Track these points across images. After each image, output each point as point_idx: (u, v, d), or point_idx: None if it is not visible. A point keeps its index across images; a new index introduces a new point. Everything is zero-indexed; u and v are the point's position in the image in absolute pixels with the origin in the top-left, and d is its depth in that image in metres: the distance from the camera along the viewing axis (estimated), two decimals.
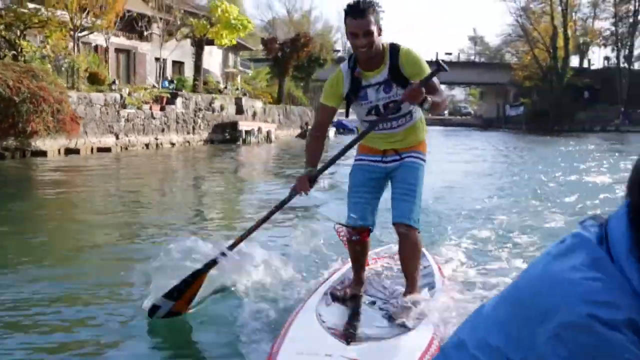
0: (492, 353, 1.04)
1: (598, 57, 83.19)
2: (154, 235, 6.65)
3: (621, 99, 56.03)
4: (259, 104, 29.32)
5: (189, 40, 27.53)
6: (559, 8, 59.05)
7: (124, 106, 20.41)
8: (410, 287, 3.65)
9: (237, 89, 29.10)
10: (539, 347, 0.97)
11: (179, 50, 30.11)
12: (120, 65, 29.13)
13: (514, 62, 65.17)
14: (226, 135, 25.66)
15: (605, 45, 65.75)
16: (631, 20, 59.15)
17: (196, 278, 3.61)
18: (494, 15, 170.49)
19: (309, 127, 32.87)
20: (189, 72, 32.39)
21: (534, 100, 61.63)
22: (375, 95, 3.55)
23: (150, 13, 27.26)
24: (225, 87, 28.67)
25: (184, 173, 16.07)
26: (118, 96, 20.33)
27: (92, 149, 18.82)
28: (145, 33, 28.35)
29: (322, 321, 3.26)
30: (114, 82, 21.06)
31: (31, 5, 20.03)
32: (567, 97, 57.16)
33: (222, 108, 25.79)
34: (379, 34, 3.45)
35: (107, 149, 19.38)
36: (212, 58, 34.08)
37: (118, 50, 28.49)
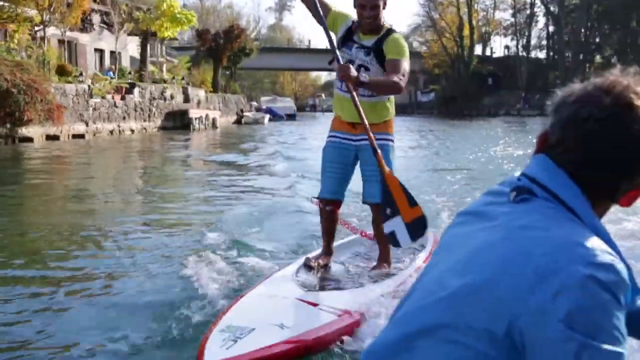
0: (471, 331, 1.03)
1: (499, 46, 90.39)
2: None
3: (521, 85, 62.05)
4: (202, 93, 31.89)
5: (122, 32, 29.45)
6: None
7: (91, 96, 22.59)
8: (383, 258, 4.10)
9: (183, 78, 31.45)
10: (530, 311, 0.98)
11: (113, 40, 32.12)
12: (63, 56, 30.74)
13: (423, 50, 70.08)
14: (177, 123, 28.13)
15: (505, 35, 72.18)
16: (528, 12, 65.43)
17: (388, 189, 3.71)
18: (400, 4, 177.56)
19: (244, 113, 35.68)
20: (125, 62, 34.29)
21: (443, 86, 66.91)
22: (356, 53, 3.90)
23: (96, 7, 29.12)
24: (173, 78, 30.95)
25: (167, 155, 18.66)
26: (87, 87, 22.49)
27: (68, 136, 20.95)
28: (87, 25, 30.16)
29: (295, 279, 3.75)
30: (80, 74, 23.15)
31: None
32: (473, 83, 62.70)
33: (172, 97, 28.24)
34: (384, 7, 3.89)
35: (81, 136, 21.54)
36: (134, 46, 35.89)
37: (60, 42, 30.11)
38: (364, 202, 4.14)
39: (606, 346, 0.95)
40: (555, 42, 64.63)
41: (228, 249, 4.94)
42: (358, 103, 3.57)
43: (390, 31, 3.90)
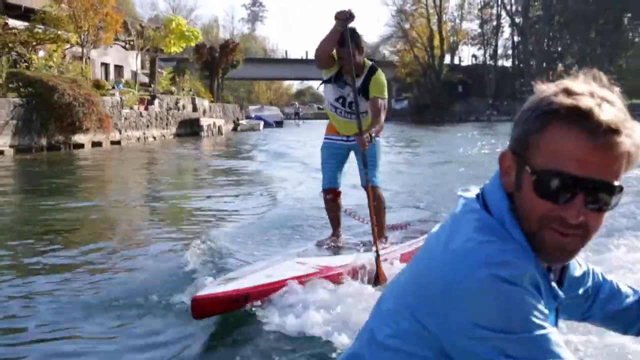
0: (410, 335, 1.14)
1: (467, 55, 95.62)
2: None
3: (490, 93, 66.98)
4: (206, 103, 35.56)
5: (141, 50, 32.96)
6: (432, 11, 69.20)
7: (122, 107, 26.11)
8: (379, 232, 4.95)
9: (190, 90, 35.06)
10: (454, 320, 1.05)
11: (117, 54, 35.60)
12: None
13: (395, 60, 74.58)
14: (188, 130, 31.77)
15: (472, 45, 77.26)
16: (495, 23, 70.62)
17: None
18: (370, 15, 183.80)
19: (240, 121, 39.66)
20: (127, 74, 37.73)
21: (415, 94, 71.43)
22: (347, 92, 5.01)
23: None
24: (182, 90, 34.55)
25: (200, 159, 22.33)
26: (119, 99, 26.01)
27: (109, 142, 24.46)
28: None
29: (297, 254, 4.76)
30: (113, 87, 26.65)
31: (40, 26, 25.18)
32: (444, 91, 67.33)
33: (183, 107, 31.87)
34: (360, 54, 4.97)
35: (118, 142, 25.06)
36: (134, 60, 39.32)
37: (74, 58, 33.45)
38: (362, 185, 5.20)
39: (525, 335, 1.01)
40: (520, 52, 69.82)
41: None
42: (362, 126, 4.84)
43: (372, 69, 5.05)
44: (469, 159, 16.97)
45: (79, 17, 24.98)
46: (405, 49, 71.63)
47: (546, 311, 1.07)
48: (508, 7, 69.85)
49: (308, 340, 3.53)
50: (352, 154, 5.31)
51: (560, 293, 1.19)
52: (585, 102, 1.08)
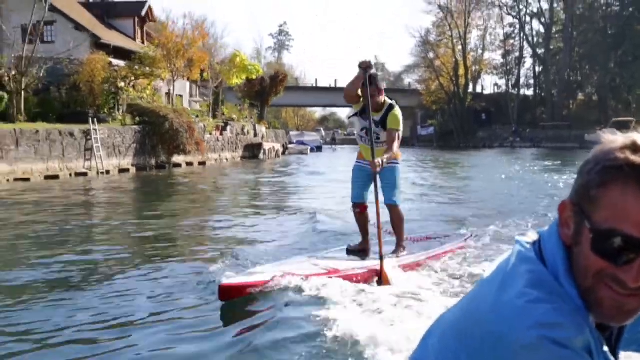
0: None
1: (489, 84, 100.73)
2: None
3: (512, 119, 71.66)
4: (263, 129, 40.69)
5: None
6: (457, 41, 74.31)
7: (205, 132, 31.14)
8: (398, 243, 6.49)
9: (250, 117, 40.13)
10: None
11: (178, 84, 40.85)
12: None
13: (421, 88, 79.56)
14: (251, 153, 36.79)
15: (494, 74, 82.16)
16: (517, 54, 75.67)
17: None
18: (393, 44, 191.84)
19: (288, 145, 45.27)
20: (185, 103, 42.94)
21: (439, 121, 76.31)
22: (372, 124, 6.33)
23: None
24: (243, 117, 39.61)
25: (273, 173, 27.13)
26: (202, 125, 31.05)
27: (198, 163, 29.42)
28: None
29: (317, 257, 6.32)
30: (197, 116, 31.70)
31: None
32: (468, 118, 72.21)
33: (247, 132, 36.92)
34: (380, 94, 6.38)
35: (203, 163, 30.05)
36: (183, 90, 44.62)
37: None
38: (385, 204, 6.53)
39: None
40: (542, 82, 74.68)
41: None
42: (375, 154, 6.22)
43: (390, 107, 6.45)
44: (499, 179, 21.40)
45: (173, 57, 30.11)
46: (431, 78, 76.53)
47: None
48: (530, 39, 74.81)
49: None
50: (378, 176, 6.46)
51: (612, 359, 1.15)
52: None
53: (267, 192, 18.10)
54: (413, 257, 6.64)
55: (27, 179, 19.35)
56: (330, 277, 5.59)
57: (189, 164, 28.56)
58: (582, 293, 1.10)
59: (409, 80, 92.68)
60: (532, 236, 1.22)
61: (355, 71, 6.30)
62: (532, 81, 77.20)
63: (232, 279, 5.33)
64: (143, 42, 39.16)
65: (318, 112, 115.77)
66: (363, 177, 6.61)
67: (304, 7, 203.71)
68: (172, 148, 26.37)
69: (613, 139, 1.11)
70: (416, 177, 21.81)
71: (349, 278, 5.64)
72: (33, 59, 24.42)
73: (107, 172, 23.05)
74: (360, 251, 6.73)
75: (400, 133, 6.48)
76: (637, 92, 66.25)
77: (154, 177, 23.62)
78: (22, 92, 23.72)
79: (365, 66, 6.21)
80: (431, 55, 77.19)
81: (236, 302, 5.21)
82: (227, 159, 33.68)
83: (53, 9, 33.72)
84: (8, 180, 18.77)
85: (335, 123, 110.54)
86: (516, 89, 75.75)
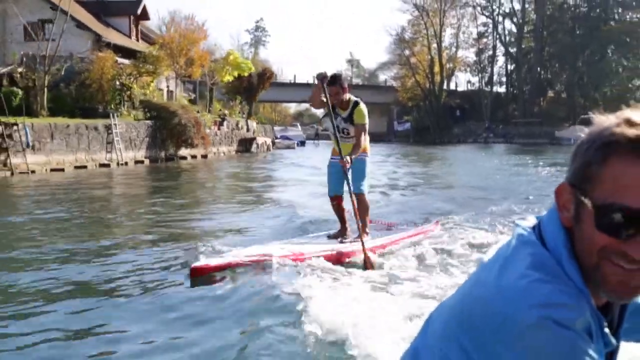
0: None
1: (463, 81, 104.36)
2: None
3: (486, 116, 75.03)
4: (254, 124, 43.13)
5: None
6: (432, 39, 77.41)
7: (204, 127, 33.49)
8: (362, 229, 7.05)
9: (242, 113, 42.51)
10: (501, 357, 1.05)
11: (170, 81, 43.15)
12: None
13: (397, 85, 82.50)
14: (244, 147, 39.23)
15: (466, 71, 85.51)
16: (490, 53, 79.14)
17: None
18: (368, 40, 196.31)
19: (277, 140, 47.91)
20: (179, 99, 45.19)
21: (415, 117, 79.38)
22: (339, 121, 7.21)
23: None
24: (233, 113, 41.99)
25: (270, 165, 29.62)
26: (203, 120, 33.41)
27: (200, 156, 31.78)
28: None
29: (286, 242, 7.20)
30: (198, 111, 34.02)
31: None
32: (443, 114, 75.39)
33: (241, 127, 39.35)
34: (344, 92, 7.13)
35: (205, 156, 32.42)
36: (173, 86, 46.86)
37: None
38: (352, 192, 7.15)
39: None
40: (513, 79, 78.24)
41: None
42: (342, 151, 6.99)
43: (356, 103, 7.22)
44: (473, 172, 24.10)
45: (176, 55, 32.41)
46: (407, 75, 79.53)
47: (596, 357, 1.06)
48: (503, 38, 78.30)
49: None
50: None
51: (613, 341, 1.16)
52: None
53: (260, 184, 19.34)
54: (382, 240, 7.56)
55: (62, 169, 21.59)
56: (295, 261, 6.37)
57: (193, 156, 30.94)
58: (586, 272, 1.12)
59: (384, 77, 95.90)
60: (532, 220, 1.24)
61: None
62: (504, 79, 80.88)
63: (203, 261, 6.27)
64: (138, 40, 41.26)
65: (292, 108, 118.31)
66: (337, 172, 7.27)
67: (301, 4, 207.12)
68: (180, 141, 28.73)
69: (604, 117, 1.13)
70: (398, 170, 23.98)
71: (308, 259, 6.51)
72: (55, 58, 26.47)
73: (125, 163, 25.34)
74: (338, 237, 7.54)
75: (367, 126, 7.26)
76: (603, 90, 70.20)
77: (164, 168, 25.97)
78: (45, 89, 25.78)
79: (321, 77, 6.98)
80: (407, 52, 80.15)
81: (205, 280, 6.05)
82: (223, 153, 36.09)
83: (55, 7, 35.79)
84: (46, 170, 21.00)
85: (311, 118, 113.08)
86: (489, 87, 79.20)
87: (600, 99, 68.71)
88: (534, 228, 1.21)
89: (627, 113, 1.11)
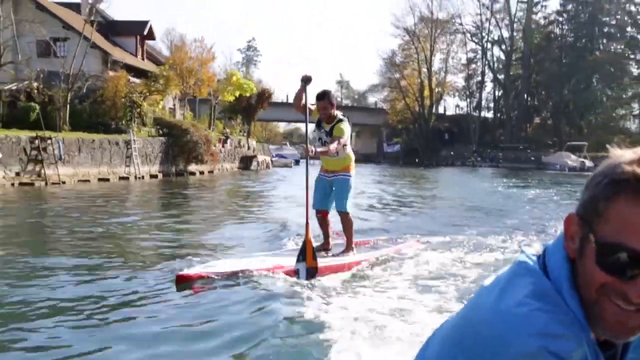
0: None
1: (451, 105, 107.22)
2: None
3: (474, 140, 77.49)
4: (254, 142, 45.07)
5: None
6: (423, 65, 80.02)
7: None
8: (347, 245, 7.74)
9: (243, 132, 44.46)
10: None
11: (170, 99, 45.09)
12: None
13: (387, 107, 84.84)
14: (245, 164, 41.14)
15: (455, 96, 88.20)
16: (479, 78, 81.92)
17: (305, 244, 6.87)
18: (358, 63, 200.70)
19: (273, 158, 50.00)
20: (178, 116, 47.06)
21: (404, 139, 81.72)
22: (322, 134, 7.66)
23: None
24: (232, 132, 43.91)
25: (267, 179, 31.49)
26: (210, 137, 35.29)
27: (207, 171, 33.62)
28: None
29: (271, 255, 7.71)
30: (205, 129, 35.90)
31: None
32: (432, 137, 77.76)
33: (243, 145, 41.28)
34: (332, 108, 7.50)
35: (211, 171, 34.26)
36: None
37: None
38: (336, 210, 7.77)
39: None
40: (501, 105, 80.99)
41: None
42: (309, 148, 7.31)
43: (339, 120, 7.57)
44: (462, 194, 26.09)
45: (185, 76, 34.37)
46: (397, 98, 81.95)
47: None
48: (491, 65, 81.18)
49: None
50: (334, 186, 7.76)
51: None
52: None
53: (258, 201, 20.58)
54: (351, 257, 7.81)
55: (88, 180, 23.34)
56: (274, 272, 6.86)
57: (201, 172, 32.81)
58: (585, 307, 1.11)
59: (373, 99, 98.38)
60: (537, 247, 1.25)
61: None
62: (492, 104, 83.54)
63: (187, 270, 6.77)
64: (143, 59, 43.18)
65: (282, 127, 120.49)
66: (324, 187, 7.77)
67: (300, 6, 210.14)
68: (191, 158, 30.59)
69: (621, 153, 1.11)
70: (391, 190, 25.37)
71: (291, 272, 6.95)
72: (79, 75, 28.30)
73: (142, 177, 27.12)
74: (322, 249, 7.81)
75: (344, 140, 7.49)
76: (588, 118, 73.05)
77: (175, 182, 27.79)
78: (68, 105, 27.57)
79: (304, 79, 7.38)
80: (397, 75, 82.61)
81: (187, 286, 6.55)
82: (227, 169, 37.98)
83: (67, 26, 37.69)
84: (74, 182, 22.75)
85: (300, 138, 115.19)
86: (477, 111, 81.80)
87: (585, 126, 71.48)
88: (538, 257, 1.21)
89: None
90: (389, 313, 5.58)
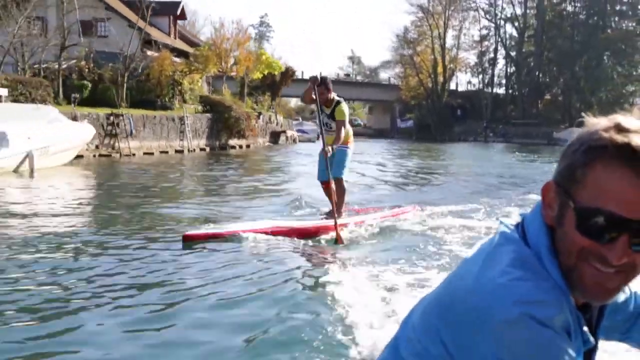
0: (433, 359, 1.19)
1: (463, 81, 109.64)
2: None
3: (485, 116, 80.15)
4: (281, 118, 48.04)
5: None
6: (437, 42, 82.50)
7: None
8: (337, 209, 8.34)
9: (272, 108, 47.38)
10: (479, 351, 1.09)
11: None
12: None
13: (400, 84, 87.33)
14: (275, 139, 44.16)
15: (467, 72, 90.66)
16: (491, 55, 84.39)
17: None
18: (370, 38, 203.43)
19: (297, 134, 52.90)
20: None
21: (417, 115, 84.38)
22: (324, 117, 8.60)
23: None
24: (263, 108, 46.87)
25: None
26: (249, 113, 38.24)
27: (247, 145, 36.57)
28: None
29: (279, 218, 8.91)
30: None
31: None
32: (445, 113, 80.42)
33: (272, 121, 44.24)
34: (329, 93, 8.46)
35: (248, 145, 37.25)
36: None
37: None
38: (332, 177, 8.44)
39: None
40: (513, 82, 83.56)
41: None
42: (325, 141, 8.39)
43: (338, 102, 8.67)
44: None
45: (223, 56, 37.23)
46: (411, 75, 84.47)
47: (574, 355, 1.10)
48: (504, 42, 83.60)
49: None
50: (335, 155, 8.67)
51: (592, 339, 1.21)
52: (636, 141, 1.09)
53: (281, 174, 22.14)
54: (345, 220, 8.61)
55: (152, 153, 26.38)
56: (282, 235, 7.70)
57: (240, 146, 35.82)
58: (565, 272, 1.16)
59: (385, 75, 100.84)
60: (516, 218, 1.29)
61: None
62: (504, 81, 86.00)
63: (195, 230, 7.75)
64: (175, 39, 46.01)
65: (292, 102, 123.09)
66: (324, 160, 8.50)
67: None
68: (234, 133, 33.56)
69: (597, 121, 1.16)
70: (406, 164, 27.16)
71: (301, 232, 7.92)
72: (135, 56, 31.18)
73: (193, 150, 30.14)
74: (328, 214, 8.77)
75: (346, 122, 8.65)
76: (599, 95, 75.67)
77: (220, 154, 30.80)
78: (125, 84, 30.48)
79: (313, 79, 8.40)
80: (409, 52, 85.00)
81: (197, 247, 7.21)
82: (260, 144, 40.96)
83: (108, 7, 40.45)
84: (140, 154, 25.77)
85: (311, 114, 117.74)
86: (490, 88, 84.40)
87: (595, 103, 74.12)
88: (517, 226, 1.26)
89: (618, 118, 1.13)
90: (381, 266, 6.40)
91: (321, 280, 5.65)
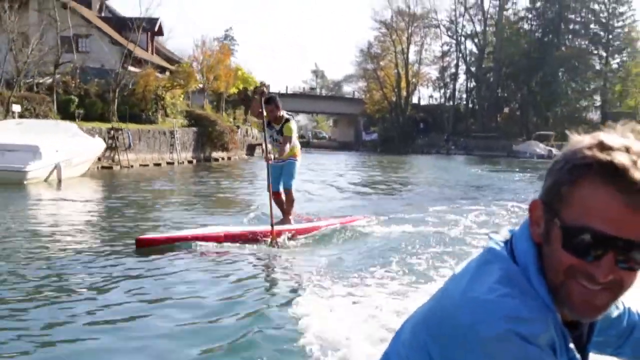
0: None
1: (425, 95, 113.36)
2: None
3: (447, 129, 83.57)
4: (256, 131, 50.32)
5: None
6: (400, 57, 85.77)
7: None
8: (285, 217, 9.33)
9: (248, 122, 49.64)
10: None
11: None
12: None
13: (364, 97, 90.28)
14: (251, 151, 46.43)
15: (428, 86, 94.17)
16: (452, 70, 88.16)
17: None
18: (334, 53, 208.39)
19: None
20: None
21: (381, 128, 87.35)
22: (274, 132, 9.23)
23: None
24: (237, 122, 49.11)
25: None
26: (233, 127, 40.47)
27: (228, 157, 38.78)
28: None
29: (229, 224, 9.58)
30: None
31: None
32: (408, 126, 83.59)
33: (249, 134, 46.54)
34: (278, 110, 9.11)
35: (229, 158, 39.46)
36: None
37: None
38: (283, 188, 9.41)
39: None
40: (473, 96, 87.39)
41: None
42: (270, 151, 9.10)
43: (286, 120, 9.28)
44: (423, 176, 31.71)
45: (205, 72, 39.49)
46: (375, 88, 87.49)
47: None
48: (465, 57, 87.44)
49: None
50: (283, 169, 9.41)
51: (578, 356, 1.22)
52: (619, 159, 1.09)
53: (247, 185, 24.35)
54: (300, 225, 9.37)
55: (147, 165, 28.49)
56: (224, 240, 8.26)
57: (222, 158, 38.05)
58: (553, 289, 1.17)
59: (349, 88, 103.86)
60: (505, 234, 1.29)
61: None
62: (464, 95, 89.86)
63: (147, 234, 8.32)
64: (153, 54, 47.99)
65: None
66: (275, 171, 9.28)
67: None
68: (218, 146, 35.77)
69: (580, 138, 1.16)
70: (372, 175, 28.92)
71: (241, 237, 8.48)
72: (122, 74, 33.20)
73: (182, 162, 32.32)
74: (281, 223, 9.25)
75: (293, 138, 9.26)
76: (554, 110, 79.92)
77: (206, 166, 32.98)
78: (116, 100, 32.43)
79: (259, 92, 9.20)
80: (371, 66, 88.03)
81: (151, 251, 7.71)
82: (237, 157, 43.23)
83: (89, 23, 42.35)
84: (136, 166, 27.85)
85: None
86: (451, 102, 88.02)
87: (551, 117, 78.25)
88: (506, 242, 1.26)
89: (601, 136, 1.14)
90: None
91: (268, 283, 6.56)
